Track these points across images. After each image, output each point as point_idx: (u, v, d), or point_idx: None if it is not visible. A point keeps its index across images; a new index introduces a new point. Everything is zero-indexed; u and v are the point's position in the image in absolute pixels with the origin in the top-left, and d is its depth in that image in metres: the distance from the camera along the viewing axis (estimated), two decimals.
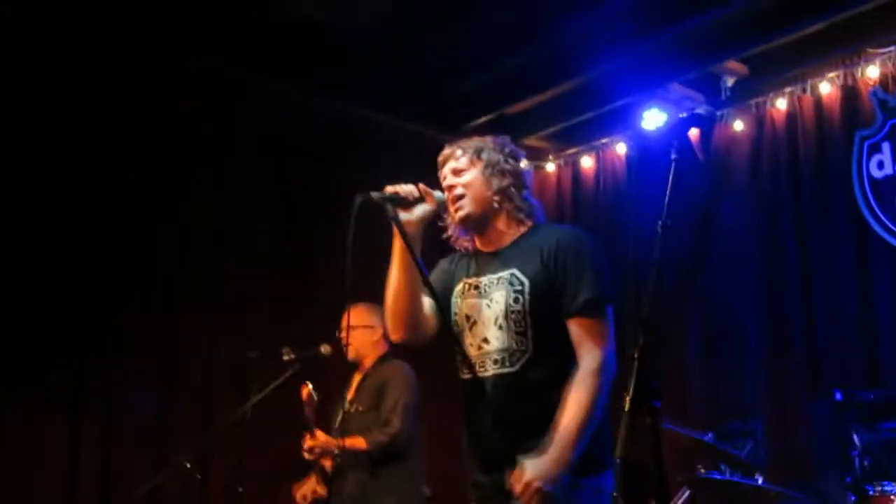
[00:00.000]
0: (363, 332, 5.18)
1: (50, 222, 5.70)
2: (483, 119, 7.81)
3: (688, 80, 7.17)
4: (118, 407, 5.86)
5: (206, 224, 6.42)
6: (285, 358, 5.09)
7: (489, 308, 3.09)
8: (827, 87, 6.75)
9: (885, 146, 6.38)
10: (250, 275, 6.52)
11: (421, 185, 3.12)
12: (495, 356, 3.04)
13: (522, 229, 3.19)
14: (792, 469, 5.95)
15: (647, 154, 7.48)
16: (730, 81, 7.11)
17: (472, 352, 3.11)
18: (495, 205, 3.16)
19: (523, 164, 3.31)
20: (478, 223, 3.19)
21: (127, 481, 5.57)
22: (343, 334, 5.01)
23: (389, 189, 3.07)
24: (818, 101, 6.79)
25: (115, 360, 5.91)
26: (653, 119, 7.24)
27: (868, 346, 6.21)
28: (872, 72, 6.51)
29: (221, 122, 6.61)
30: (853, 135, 6.55)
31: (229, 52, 6.43)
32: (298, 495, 5.33)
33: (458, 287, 3.22)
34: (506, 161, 3.22)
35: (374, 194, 3.02)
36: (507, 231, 3.19)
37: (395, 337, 3.21)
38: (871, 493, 4.50)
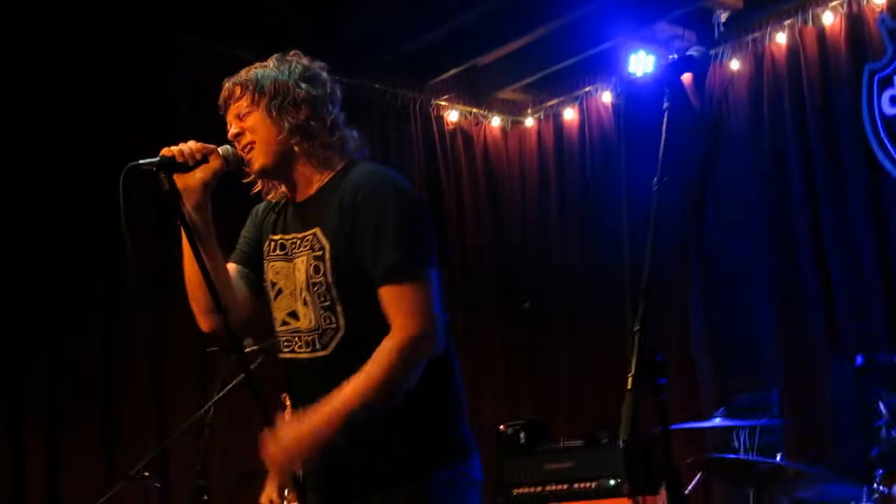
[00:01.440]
0: None
1: None
2: (452, 72, 7.78)
3: (677, 17, 7.13)
4: (63, 413, 5.84)
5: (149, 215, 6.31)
6: (247, 349, 5.05)
7: (294, 276, 2.81)
8: (830, 17, 6.71)
9: None
10: None
11: (198, 144, 2.76)
12: (306, 337, 2.78)
13: (331, 173, 2.84)
14: (812, 443, 5.99)
15: (636, 102, 7.41)
16: (723, 16, 7.08)
17: (278, 326, 2.86)
18: (295, 147, 2.80)
19: (323, 78, 2.87)
20: (275, 173, 2.86)
21: (78, 493, 5.53)
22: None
23: (164, 151, 2.72)
24: (821, 32, 6.76)
25: (57, 362, 5.87)
26: (640, 63, 7.17)
27: (890, 303, 6.21)
28: None
29: (162, 86, 6.51)
30: (862, 69, 6.53)
31: (163, 13, 6.34)
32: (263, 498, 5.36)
33: (265, 245, 2.93)
34: (297, 87, 2.80)
35: (143, 162, 2.68)
36: (313, 177, 2.84)
37: (204, 327, 2.87)
38: None
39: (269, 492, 5.33)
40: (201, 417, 4.97)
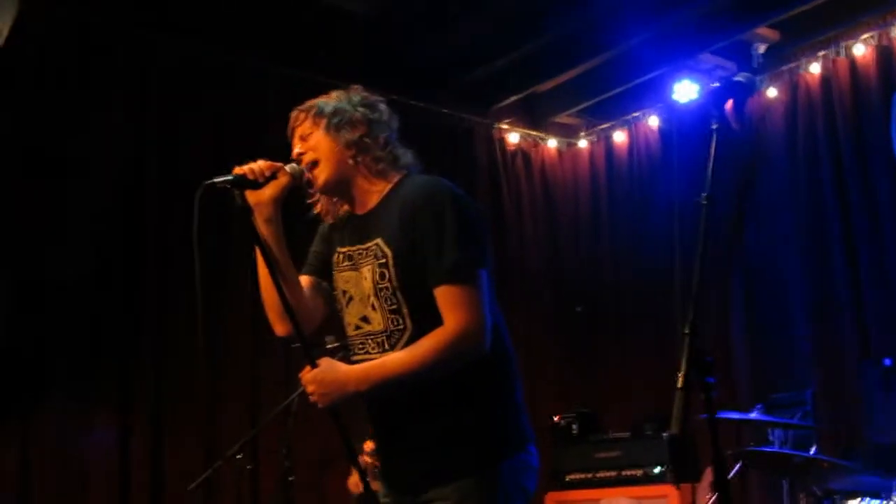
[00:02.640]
0: None
1: (91, 220, 5.74)
2: (513, 98, 7.74)
3: (718, 49, 7.01)
4: (167, 403, 5.86)
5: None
6: (329, 346, 5.03)
7: (362, 284, 2.77)
8: (861, 49, 6.56)
9: None
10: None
11: (268, 162, 2.76)
12: (377, 338, 2.74)
13: (388, 185, 2.81)
14: (843, 439, 5.85)
15: (681, 126, 7.34)
16: (761, 48, 6.95)
17: (351, 331, 2.82)
18: (350, 161, 2.79)
19: (380, 107, 2.90)
20: (338, 187, 2.84)
21: (178, 476, 5.56)
22: None
23: (237, 170, 2.73)
24: (852, 63, 6.61)
25: (163, 357, 5.90)
26: (684, 90, 7.10)
27: None
28: None
29: (254, 118, 6.50)
30: (891, 96, 6.38)
31: (251, 43, 6.36)
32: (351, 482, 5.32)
33: (334, 257, 2.89)
34: (354, 110, 2.82)
35: (217, 180, 2.68)
36: (372, 188, 2.81)
37: (278, 331, 2.85)
38: None
39: (356, 477, 5.29)
40: (286, 408, 4.97)
